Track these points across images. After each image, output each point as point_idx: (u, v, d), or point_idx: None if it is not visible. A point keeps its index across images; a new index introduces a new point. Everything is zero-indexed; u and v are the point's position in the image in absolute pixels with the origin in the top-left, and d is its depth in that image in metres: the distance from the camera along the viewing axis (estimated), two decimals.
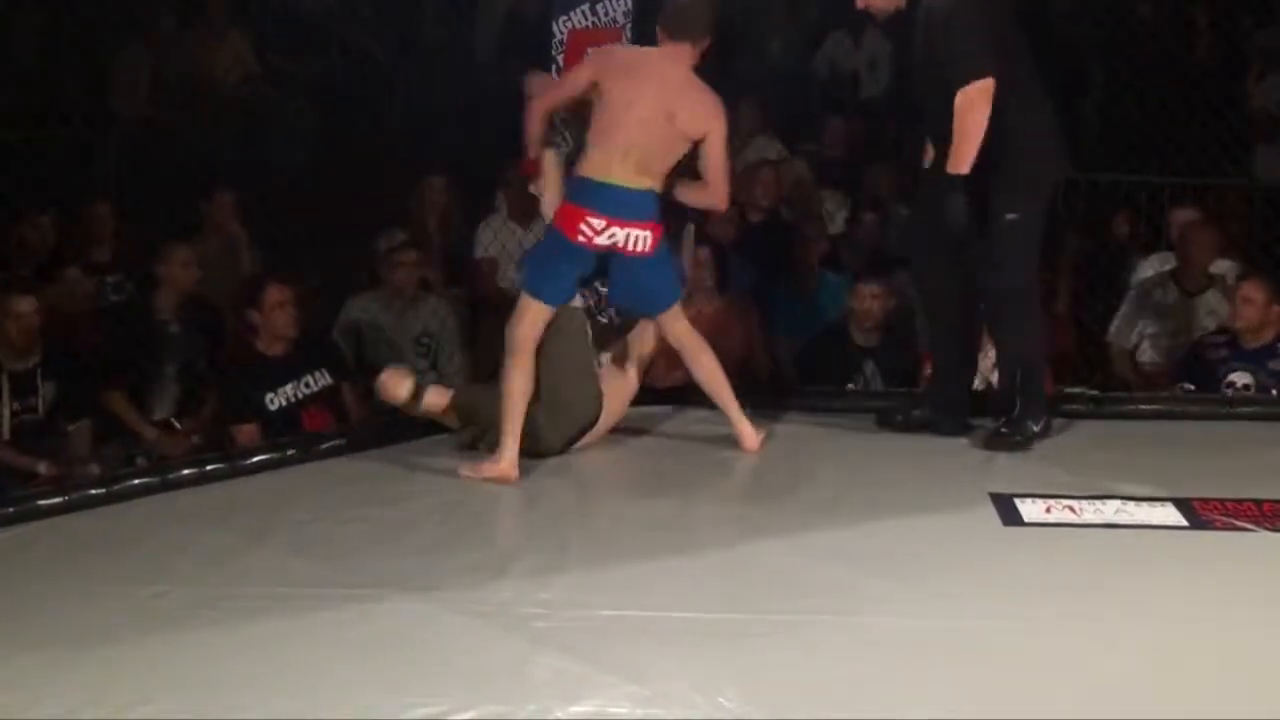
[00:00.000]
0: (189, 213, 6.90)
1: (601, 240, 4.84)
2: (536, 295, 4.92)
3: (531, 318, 4.90)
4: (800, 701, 3.36)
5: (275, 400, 5.61)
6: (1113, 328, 6.53)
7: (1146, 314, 6.44)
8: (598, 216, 4.83)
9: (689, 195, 5.03)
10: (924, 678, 3.50)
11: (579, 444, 5.12)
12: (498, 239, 6.96)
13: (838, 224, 7.46)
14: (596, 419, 5.11)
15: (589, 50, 5.48)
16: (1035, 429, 4.98)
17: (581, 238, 4.84)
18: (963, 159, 4.69)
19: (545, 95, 5.01)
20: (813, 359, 6.17)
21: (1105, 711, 3.35)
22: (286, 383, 5.65)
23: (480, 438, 5.04)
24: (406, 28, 8.07)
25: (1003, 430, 4.99)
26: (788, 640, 3.68)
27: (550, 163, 5.08)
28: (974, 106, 4.63)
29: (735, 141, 7.83)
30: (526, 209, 6.71)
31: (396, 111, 8.64)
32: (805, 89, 8.99)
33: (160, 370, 5.90)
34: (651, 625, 3.76)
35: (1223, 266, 6.59)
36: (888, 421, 5.35)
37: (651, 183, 4.87)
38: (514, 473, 4.84)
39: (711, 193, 5.01)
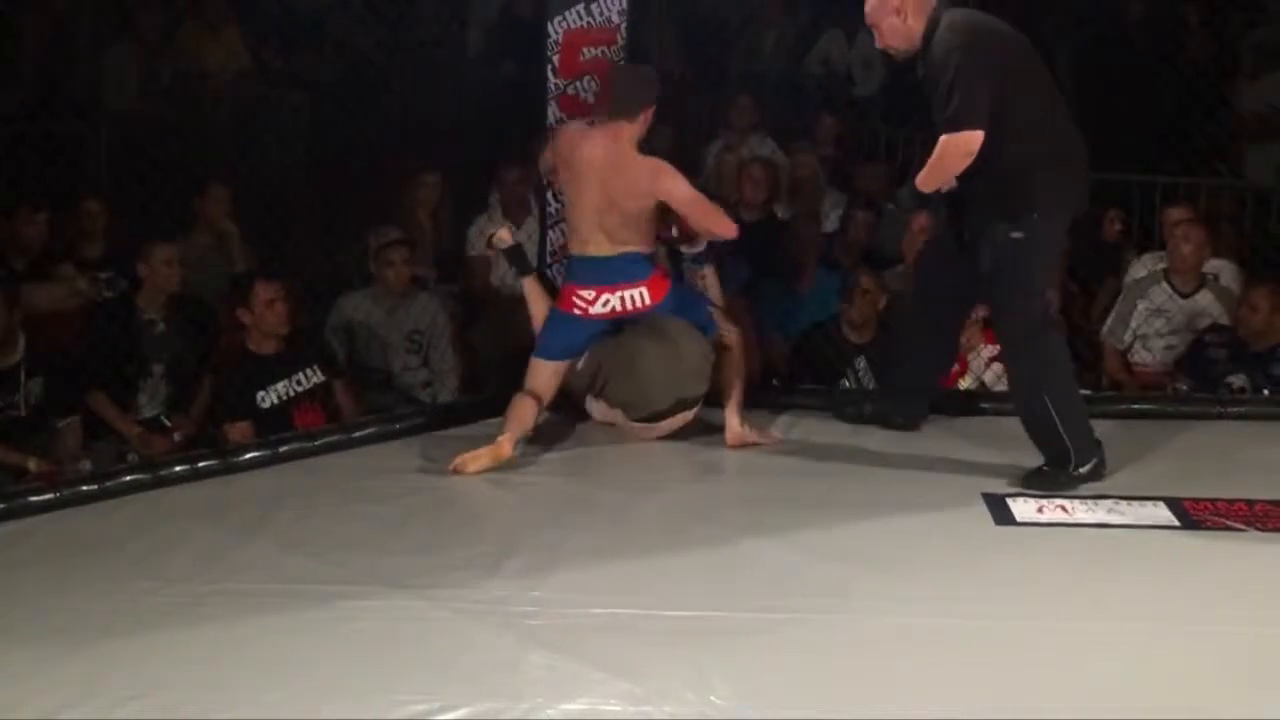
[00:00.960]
0: (182, 209, 6.88)
1: (598, 309, 5.07)
2: (539, 354, 5.15)
3: (539, 381, 5.11)
4: (792, 699, 3.37)
5: (267, 398, 5.60)
6: (1106, 327, 6.53)
7: (1140, 313, 6.44)
8: (586, 288, 5.07)
9: (693, 236, 5.21)
10: (916, 676, 3.51)
11: (664, 426, 5.20)
12: (484, 238, 6.93)
13: (831, 221, 7.46)
14: (700, 398, 5.21)
15: (584, 50, 5.52)
16: (1083, 471, 4.73)
17: (577, 310, 5.07)
18: (926, 186, 4.74)
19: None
20: (805, 356, 6.17)
21: (1097, 710, 3.36)
22: (278, 380, 5.63)
23: (596, 386, 5.21)
24: (400, 25, 8.05)
25: (1045, 469, 4.75)
26: (779, 638, 3.69)
27: (529, 289, 5.35)
28: (949, 156, 4.62)
29: (731, 138, 7.88)
30: (519, 208, 6.72)
31: (390, 109, 8.63)
32: (799, 87, 8.99)
33: (148, 369, 5.88)
34: (644, 623, 3.77)
35: (1215, 266, 6.60)
36: (841, 414, 5.42)
37: (632, 248, 5.05)
38: (509, 450, 4.97)
39: (706, 230, 5.16)
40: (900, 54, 4.87)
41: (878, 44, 4.91)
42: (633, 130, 5.05)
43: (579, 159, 5.06)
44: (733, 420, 5.16)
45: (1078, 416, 4.76)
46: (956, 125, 4.59)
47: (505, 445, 4.96)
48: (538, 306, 5.30)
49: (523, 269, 5.40)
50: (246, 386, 5.56)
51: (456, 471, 4.91)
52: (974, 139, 4.58)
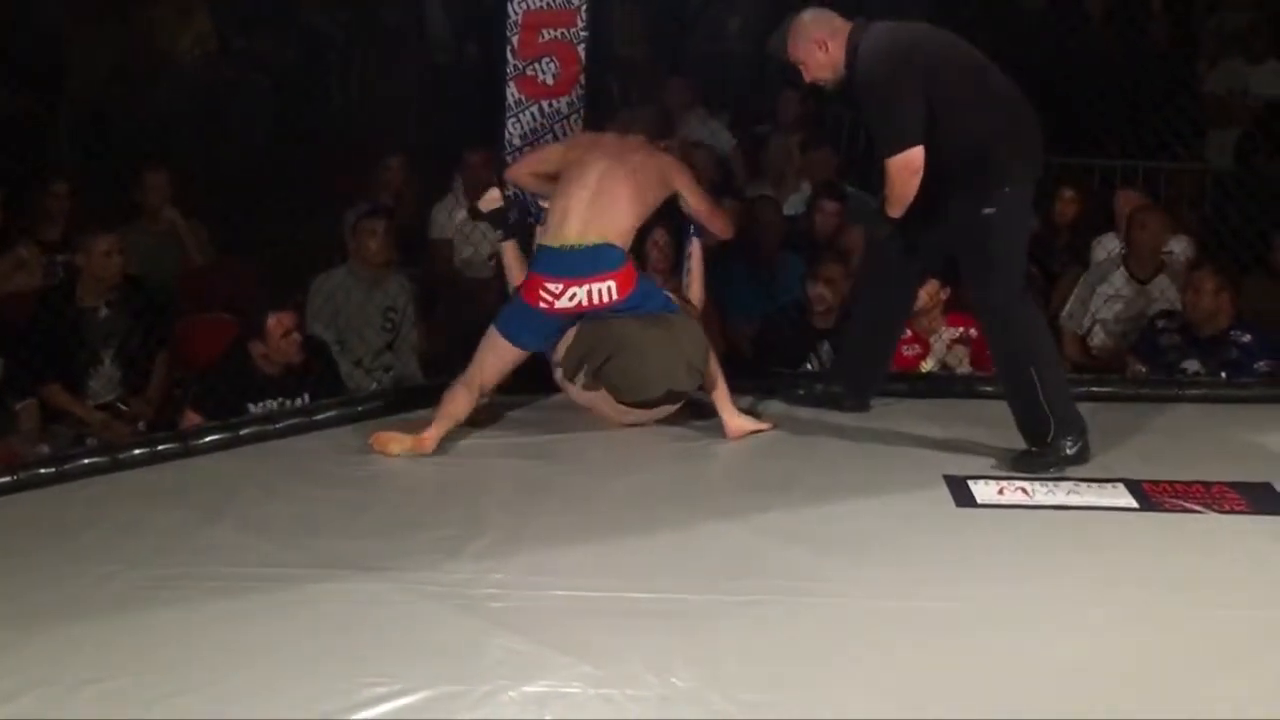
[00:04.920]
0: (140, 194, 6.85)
1: (563, 303, 5.03)
2: (503, 334, 5.10)
3: (492, 363, 5.09)
4: (752, 681, 3.38)
5: (254, 410, 5.49)
6: (1065, 310, 6.56)
7: (1098, 297, 6.47)
8: (554, 281, 5.02)
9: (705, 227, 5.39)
10: (876, 658, 3.52)
11: (646, 414, 5.18)
12: (453, 221, 6.93)
13: (794, 205, 7.46)
14: (687, 394, 5.17)
15: (543, 32, 5.51)
16: (1070, 451, 4.73)
17: (543, 304, 5.03)
18: (893, 210, 4.78)
19: (521, 162, 5.42)
20: (769, 340, 6.18)
21: (1054, 690, 3.38)
22: (272, 397, 5.53)
23: (591, 364, 5.12)
24: (362, 8, 8.03)
25: (1033, 450, 4.75)
26: (741, 620, 3.70)
27: (509, 254, 5.39)
28: (897, 178, 4.68)
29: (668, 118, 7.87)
30: (482, 191, 6.69)
31: (353, 93, 8.61)
32: (762, 68, 8.98)
33: (97, 357, 5.85)
34: (606, 606, 3.78)
35: (1178, 245, 6.64)
36: (791, 396, 5.42)
37: (607, 238, 5.03)
38: (430, 446, 4.94)
39: (713, 228, 5.39)
40: (830, 85, 4.90)
41: (805, 79, 4.94)
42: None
43: (601, 144, 5.23)
44: (729, 414, 5.13)
45: (1061, 389, 4.79)
46: (895, 148, 4.67)
47: (428, 440, 4.93)
48: (516, 272, 5.31)
49: (507, 232, 5.41)
50: (241, 396, 5.46)
51: (375, 445, 4.93)
52: (915, 156, 4.65)
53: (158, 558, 4.06)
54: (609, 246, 5.03)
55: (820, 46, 4.81)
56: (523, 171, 5.39)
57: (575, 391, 5.24)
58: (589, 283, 5.01)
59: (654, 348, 5.07)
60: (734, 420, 5.11)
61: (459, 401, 5.03)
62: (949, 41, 4.84)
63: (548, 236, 5.10)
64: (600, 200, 5.04)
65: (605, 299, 5.03)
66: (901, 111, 4.66)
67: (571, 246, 5.01)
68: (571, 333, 5.15)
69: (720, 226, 5.38)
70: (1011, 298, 4.78)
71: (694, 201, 5.28)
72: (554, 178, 5.23)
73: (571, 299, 5.02)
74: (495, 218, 5.44)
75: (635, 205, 5.09)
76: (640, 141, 5.33)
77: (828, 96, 5.09)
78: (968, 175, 4.71)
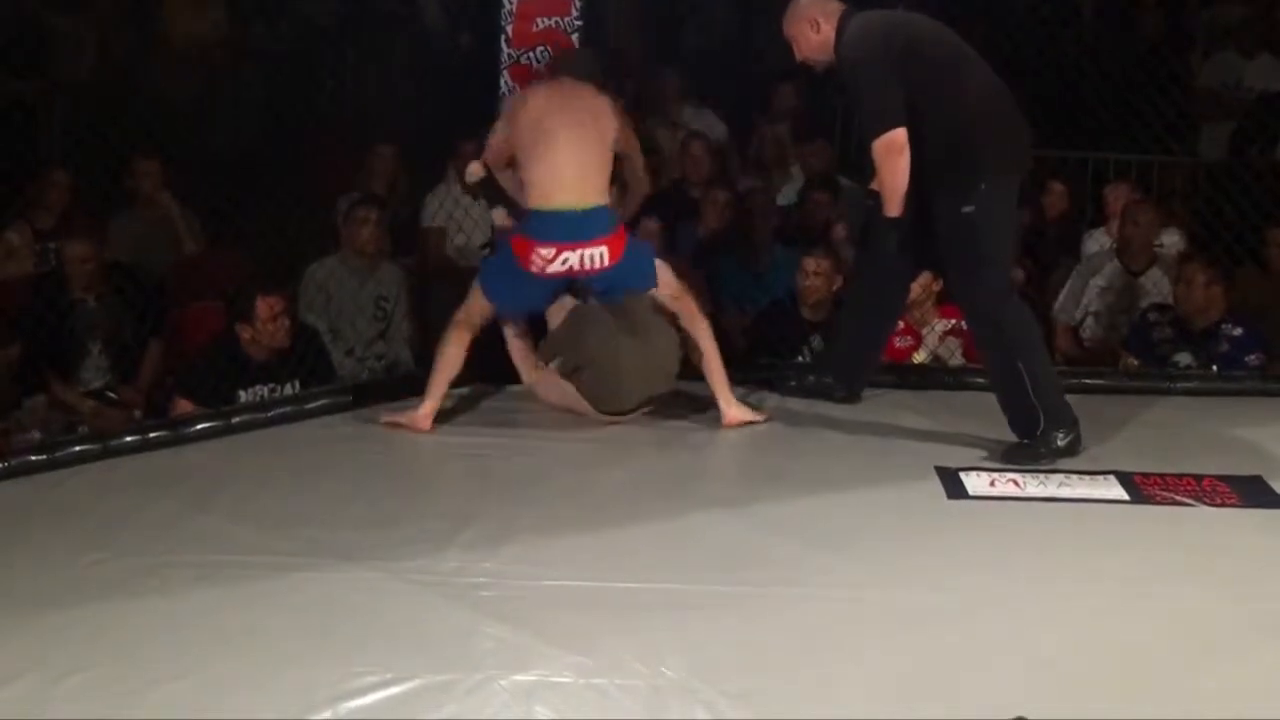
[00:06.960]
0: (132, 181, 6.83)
1: (555, 267, 4.99)
2: (486, 295, 5.12)
3: (478, 309, 5.12)
4: (743, 672, 3.38)
5: (245, 397, 5.47)
6: (1058, 303, 6.57)
7: (1091, 290, 6.48)
8: (546, 245, 4.98)
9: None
10: (868, 649, 3.52)
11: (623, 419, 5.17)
12: (444, 208, 6.93)
13: (786, 196, 7.46)
14: (662, 396, 5.18)
15: (537, 20, 5.50)
16: (1061, 443, 4.75)
17: (534, 267, 5.00)
18: (891, 206, 4.77)
19: (489, 156, 5.28)
20: (761, 332, 6.17)
21: (1044, 683, 3.38)
22: (261, 383, 5.51)
23: (565, 369, 5.14)
24: None
25: (1025, 443, 4.76)
26: (731, 611, 3.70)
27: (499, 221, 5.34)
28: (884, 161, 4.70)
29: (667, 113, 7.87)
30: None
31: (346, 81, 8.58)
32: (757, 60, 8.97)
33: (86, 348, 5.83)
34: (596, 596, 3.77)
35: (1170, 238, 6.65)
36: (783, 387, 5.42)
37: (601, 200, 5.03)
38: (426, 424, 5.01)
39: (638, 179, 5.28)
40: (820, 65, 4.92)
41: (796, 58, 4.95)
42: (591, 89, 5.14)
43: (552, 99, 5.08)
44: (727, 402, 5.12)
45: (1049, 382, 4.79)
46: (878, 131, 4.68)
47: (423, 424, 5.00)
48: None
49: (493, 201, 5.37)
50: (229, 381, 5.43)
51: (385, 420, 5.07)
52: (897, 136, 4.67)
53: (147, 545, 4.05)
54: (600, 209, 5.02)
55: (813, 26, 4.84)
56: (499, 164, 5.25)
57: (544, 392, 5.24)
58: (582, 247, 4.99)
59: (629, 363, 5.07)
60: (731, 409, 5.10)
61: (451, 354, 5.07)
62: (932, 30, 4.85)
63: (538, 199, 5.02)
64: (584, 169, 5.00)
65: (597, 264, 5.01)
66: (881, 93, 4.68)
67: (568, 210, 4.98)
68: (556, 318, 5.16)
69: (642, 178, 5.25)
70: (998, 293, 4.79)
71: (626, 139, 5.13)
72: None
73: (564, 263, 4.99)
74: (483, 187, 5.41)
75: (605, 158, 5.06)
76: (586, 89, 5.15)
77: (820, 82, 5.09)
78: (947, 171, 4.72)
